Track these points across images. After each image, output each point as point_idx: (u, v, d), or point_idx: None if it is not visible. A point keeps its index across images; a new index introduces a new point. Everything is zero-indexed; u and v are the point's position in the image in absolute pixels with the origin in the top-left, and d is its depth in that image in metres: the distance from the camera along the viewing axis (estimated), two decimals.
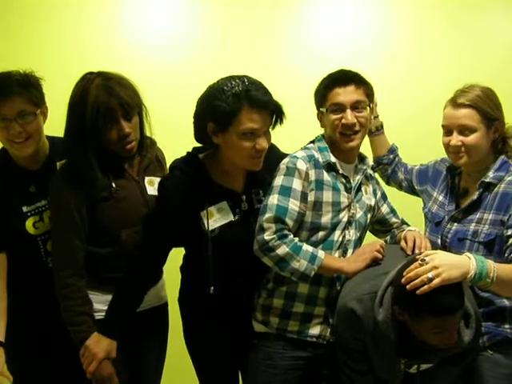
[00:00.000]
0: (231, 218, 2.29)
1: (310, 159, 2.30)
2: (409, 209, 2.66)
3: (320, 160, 2.32)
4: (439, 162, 2.57)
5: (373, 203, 2.47)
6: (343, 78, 2.30)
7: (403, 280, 2.01)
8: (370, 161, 2.52)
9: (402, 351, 2.15)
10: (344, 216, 2.33)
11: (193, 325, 2.44)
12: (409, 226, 2.58)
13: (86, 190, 2.25)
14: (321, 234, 2.31)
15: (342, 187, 2.34)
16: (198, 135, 2.31)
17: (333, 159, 2.33)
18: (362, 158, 2.46)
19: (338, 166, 2.34)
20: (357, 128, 2.31)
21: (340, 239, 2.33)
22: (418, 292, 1.96)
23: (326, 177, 2.32)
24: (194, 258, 2.38)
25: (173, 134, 3.07)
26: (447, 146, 2.35)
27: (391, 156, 2.72)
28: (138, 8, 3.59)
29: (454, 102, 2.32)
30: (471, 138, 2.29)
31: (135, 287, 2.32)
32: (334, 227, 2.32)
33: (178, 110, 3.19)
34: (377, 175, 2.69)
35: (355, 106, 2.29)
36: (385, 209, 2.56)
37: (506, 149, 2.36)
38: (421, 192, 2.61)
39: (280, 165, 2.31)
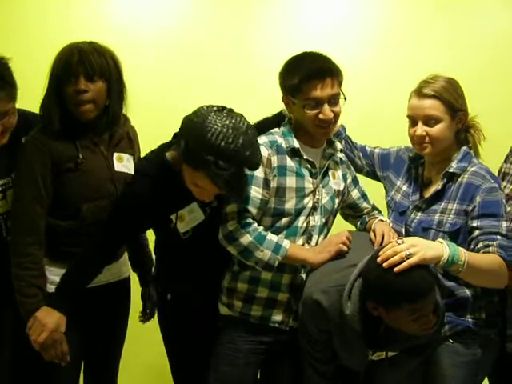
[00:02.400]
0: (202, 217, 2.28)
1: (272, 145, 2.27)
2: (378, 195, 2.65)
3: (283, 145, 2.29)
4: (403, 150, 2.55)
5: (341, 188, 2.43)
6: (320, 71, 2.21)
7: (379, 259, 2.02)
8: (339, 145, 2.48)
9: (368, 342, 2.16)
10: (308, 202, 2.31)
11: (166, 302, 2.42)
12: (380, 212, 2.57)
13: (51, 158, 2.24)
14: (284, 220, 2.29)
15: (306, 173, 2.31)
16: None
17: (296, 145, 2.29)
18: (331, 143, 2.42)
19: (302, 152, 2.30)
20: (333, 120, 2.27)
21: (304, 225, 2.32)
22: (395, 270, 1.98)
23: (290, 162, 2.28)
24: (167, 246, 2.39)
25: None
26: (412, 137, 2.35)
27: None
28: None
29: (419, 93, 2.32)
30: (436, 129, 2.30)
31: (91, 266, 2.29)
32: (298, 213, 2.30)
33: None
34: None
35: (331, 100, 2.23)
36: (355, 194, 2.53)
37: (468, 139, 2.38)
38: (383, 178, 2.59)
39: None
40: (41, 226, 2.26)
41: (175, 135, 2.27)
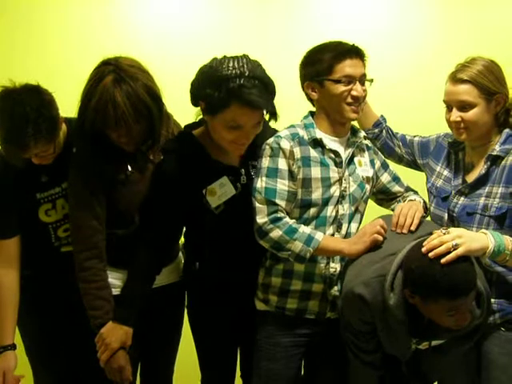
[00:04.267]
0: (233, 192, 2.30)
1: (293, 137, 2.28)
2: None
3: (305, 137, 2.30)
4: (442, 137, 2.49)
5: (370, 174, 2.42)
6: (352, 50, 2.26)
7: (424, 249, 1.99)
8: (363, 132, 2.47)
9: (413, 331, 2.13)
10: (335, 191, 2.30)
11: (195, 299, 2.45)
12: (415, 193, 2.53)
13: (102, 175, 2.27)
14: (312, 210, 2.29)
15: (330, 162, 2.31)
16: (194, 104, 2.30)
17: (318, 135, 2.30)
18: (355, 131, 2.41)
19: (325, 142, 2.31)
20: (361, 100, 2.29)
21: (333, 214, 2.31)
22: (443, 261, 1.95)
23: (313, 153, 2.29)
24: (197, 234, 2.38)
25: None
26: (448, 122, 2.31)
27: (376, 130, 2.63)
28: None
29: (454, 78, 2.28)
30: (470, 114, 2.24)
31: (145, 271, 2.31)
32: (325, 203, 2.29)
33: None
34: None
35: (361, 79, 2.27)
36: (385, 178, 2.50)
37: (509, 122, 2.30)
38: (423, 166, 2.54)
39: (265, 145, 2.29)
40: (98, 239, 2.29)
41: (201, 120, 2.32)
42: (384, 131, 2.64)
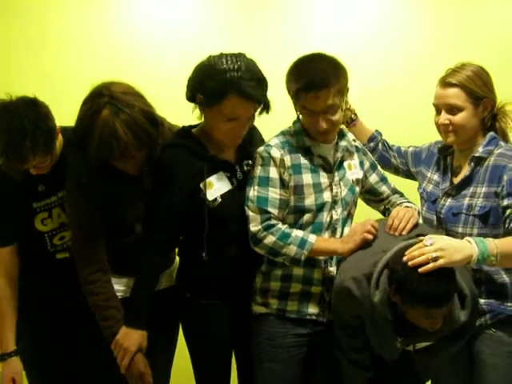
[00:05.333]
0: (230, 186, 2.33)
1: (283, 146, 2.32)
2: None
3: (295, 144, 2.33)
4: (433, 145, 2.56)
5: (360, 176, 2.46)
6: (315, 84, 2.19)
7: (405, 258, 2.02)
8: (351, 135, 2.49)
9: (399, 330, 2.17)
10: (328, 196, 2.34)
11: (188, 303, 2.44)
12: (402, 195, 2.57)
13: (98, 195, 2.27)
14: (306, 216, 2.33)
15: (320, 168, 2.35)
16: (189, 99, 2.32)
17: (307, 143, 2.34)
18: (343, 135, 2.43)
19: (313, 150, 2.34)
20: (329, 128, 2.27)
21: (328, 220, 2.35)
22: (420, 270, 1.98)
23: (303, 160, 2.33)
24: (195, 235, 2.37)
25: None
26: (437, 125, 2.37)
27: (372, 144, 2.70)
28: None
29: (443, 82, 2.35)
30: (458, 117, 2.31)
31: (151, 275, 2.33)
32: (319, 208, 2.33)
33: None
34: None
35: (328, 110, 2.24)
36: (373, 178, 2.53)
37: (495, 126, 2.37)
38: (416, 174, 2.61)
39: (256, 154, 2.33)
40: (100, 253, 2.32)
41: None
42: (380, 144, 2.71)
